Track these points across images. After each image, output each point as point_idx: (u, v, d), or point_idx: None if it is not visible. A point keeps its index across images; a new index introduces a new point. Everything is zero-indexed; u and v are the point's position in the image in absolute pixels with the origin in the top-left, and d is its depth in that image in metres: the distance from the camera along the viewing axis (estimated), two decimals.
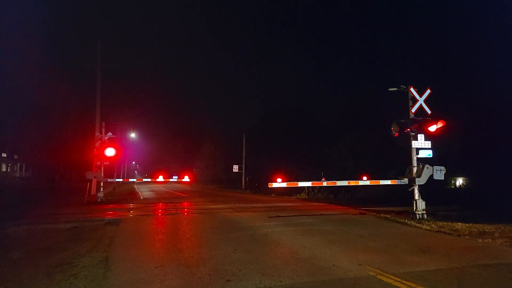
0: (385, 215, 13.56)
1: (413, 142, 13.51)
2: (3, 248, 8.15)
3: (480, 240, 8.76)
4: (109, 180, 25.11)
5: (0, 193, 24.32)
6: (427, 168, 13.25)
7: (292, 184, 15.47)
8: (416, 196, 13.24)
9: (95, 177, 20.73)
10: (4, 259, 7.08)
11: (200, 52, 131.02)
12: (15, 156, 48.35)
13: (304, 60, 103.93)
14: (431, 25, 72.38)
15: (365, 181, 16.34)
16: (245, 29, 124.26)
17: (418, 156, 13.54)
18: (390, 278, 5.70)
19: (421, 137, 13.46)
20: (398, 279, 5.65)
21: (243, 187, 43.57)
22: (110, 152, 19.83)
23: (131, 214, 15.42)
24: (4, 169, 46.51)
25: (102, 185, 21.98)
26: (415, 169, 13.50)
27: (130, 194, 31.38)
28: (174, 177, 27.61)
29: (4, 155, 45.67)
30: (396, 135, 13.79)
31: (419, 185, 13.31)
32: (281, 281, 5.57)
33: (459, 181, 36.62)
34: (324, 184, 15.63)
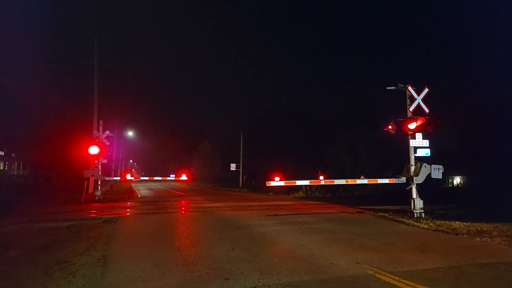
0: (382, 214, 13.58)
1: (411, 140, 13.54)
2: (1, 246, 8.11)
3: (478, 239, 8.78)
4: (106, 178, 25.06)
5: None
6: (425, 166, 13.29)
7: (290, 183, 15.49)
8: (414, 195, 13.27)
9: (92, 175, 20.67)
10: (2, 257, 7.04)
11: (198, 50, 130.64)
12: (13, 154, 48.08)
13: (303, 59, 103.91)
14: (430, 24, 72.50)
15: (363, 180, 16.41)
16: (244, 28, 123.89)
17: (416, 154, 13.57)
18: (388, 277, 5.71)
19: (419, 135, 13.50)
20: (397, 278, 5.66)
21: (240, 185, 43.62)
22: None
23: (128, 212, 15.39)
24: (1, 167, 46.28)
25: (99, 183, 21.93)
26: (413, 168, 13.53)
27: (128, 193, 31.32)
28: (171, 175, 27.57)
29: (1, 153, 45.43)
30: (393, 134, 13.84)
31: (417, 183, 13.35)
32: (280, 280, 5.57)
33: (457, 180, 36.76)
34: (322, 182, 15.67)
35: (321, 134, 48.41)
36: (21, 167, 50.78)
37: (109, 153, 24.64)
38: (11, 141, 42.77)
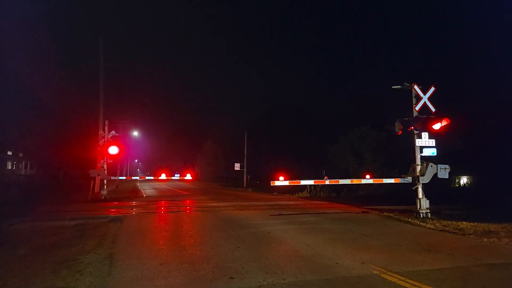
0: (388, 214, 13.52)
1: (417, 140, 13.45)
2: (9, 244, 8.21)
3: (485, 240, 8.71)
4: (112, 178, 25.21)
5: (5, 190, 24.49)
6: (431, 166, 13.19)
7: (295, 182, 15.45)
8: (420, 195, 13.19)
9: (98, 175, 20.81)
10: (10, 255, 7.13)
11: (202, 51, 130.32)
12: (20, 154, 48.61)
13: (306, 58, 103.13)
14: (434, 22, 71.87)
15: (368, 180, 16.28)
16: (246, 28, 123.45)
17: (422, 154, 13.48)
18: (394, 277, 5.69)
19: (425, 135, 13.40)
20: (402, 278, 5.63)
21: (244, 185, 43.61)
22: (113, 150, 19.94)
23: (134, 211, 15.48)
24: (9, 167, 46.80)
25: (105, 182, 22.09)
26: (418, 168, 13.44)
27: (133, 192, 31.49)
28: (176, 175, 27.59)
29: (9, 153, 45.94)
30: (399, 133, 13.74)
31: (423, 183, 13.26)
32: (284, 279, 5.57)
33: (464, 180, 36.40)
34: (327, 182, 15.60)
35: (323, 133, 48.16)
36: (28, 166, 51.33)
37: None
38: (19, 141, 43.24)
